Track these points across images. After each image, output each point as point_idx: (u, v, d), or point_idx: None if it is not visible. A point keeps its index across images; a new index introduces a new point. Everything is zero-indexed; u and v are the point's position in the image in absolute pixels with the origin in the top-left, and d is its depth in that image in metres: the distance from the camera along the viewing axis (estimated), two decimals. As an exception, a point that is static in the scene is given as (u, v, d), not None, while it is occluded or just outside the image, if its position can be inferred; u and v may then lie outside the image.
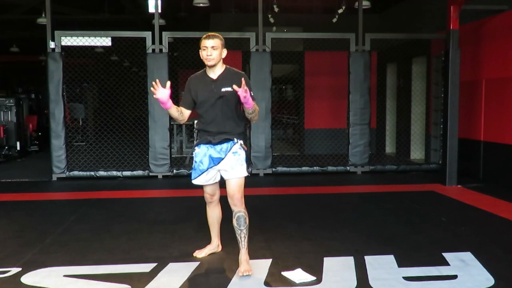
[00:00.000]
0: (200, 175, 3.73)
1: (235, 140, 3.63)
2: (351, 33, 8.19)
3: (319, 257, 3.94)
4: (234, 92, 3.40)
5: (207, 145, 3.67)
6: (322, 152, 9.56)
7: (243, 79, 3.38)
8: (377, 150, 10.44)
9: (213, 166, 3.67)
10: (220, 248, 4.10)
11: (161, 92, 3.43)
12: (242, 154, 3.63)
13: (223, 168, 3.64)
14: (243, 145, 3.66)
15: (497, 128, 7.25)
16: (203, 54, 3.56)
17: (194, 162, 3.76)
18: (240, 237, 3.59)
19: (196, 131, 3.78)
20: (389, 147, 10.84)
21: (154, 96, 3.45)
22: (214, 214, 3.95)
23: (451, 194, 6.63)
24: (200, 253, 4.00)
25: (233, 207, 3.59)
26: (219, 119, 3.60)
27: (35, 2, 11.10)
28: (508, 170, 6.95)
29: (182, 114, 3.68)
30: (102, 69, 8.64)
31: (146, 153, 8.09)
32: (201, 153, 3.71)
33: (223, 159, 3.62)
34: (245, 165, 3.64)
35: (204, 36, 3.58)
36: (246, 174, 3.65)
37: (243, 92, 3.31)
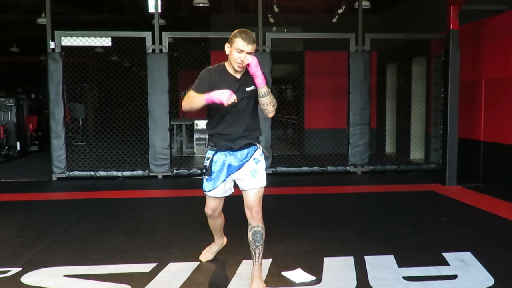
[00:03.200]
0: (218, 186, 3.37)
1: (257, 145, 3.34)
2: (351, 33, 8.19)
3: (319, 257, 3.94)
4: (255, 91, 3.22)
5: (226, 152, 3.32)
6: (322, 152, 9.56)
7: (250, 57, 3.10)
8: (377, 150, 10.44)
9: (230, 174, 3.35)
10: (225, 241, 3.93)
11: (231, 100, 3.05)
12: (263, 161, 3.34)
13: (242, 177, 3.31)
14: (264, 151, 3.39)
15: (497, 128, 7.25)
16: (234, 55, 3.14)
17: (211, 171, 3.35)
18: (255, 253, 3.28)
19: (208, 136, 3.43)
20: (389, 147, 10.84)
21: (229, 101, 2.99)
22: (216, 224, 3.72)
23: (451, 194, 6.63)
24: (206, 255, 3.86)
25: (250, 220, 3.27)
26: (241, 122, 3.27)
27: (35, 2, 11.10)
28: (508, 170, 6.95)
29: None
30: (102, 69, 8.66)
31: (146, 153, 8.09)
32: (219, 161, 3.34)
33: (242, 166, 3.31)
34: (265, 173, 3.36)
35: (242, 35, 3.13)
36: (265, 183, 3.35)
37: (252, 61, 3.06)
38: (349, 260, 3.87)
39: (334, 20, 9.40)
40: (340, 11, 9.47)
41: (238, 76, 3.26)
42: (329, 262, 3.83)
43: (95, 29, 8.08)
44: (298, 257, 3.96)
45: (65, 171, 7.77)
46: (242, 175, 3.31)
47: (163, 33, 7.85)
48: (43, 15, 9.29)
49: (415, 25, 10.04)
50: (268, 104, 3.21)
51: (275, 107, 3.24)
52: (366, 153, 8.27)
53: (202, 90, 3.16)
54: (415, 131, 9.61)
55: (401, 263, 3.81)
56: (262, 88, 3.15)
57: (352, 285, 3.41)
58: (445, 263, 3.83)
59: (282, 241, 4.43)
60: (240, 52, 3.13)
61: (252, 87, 3.24)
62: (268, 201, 6.27)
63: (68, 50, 7.81)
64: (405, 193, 6.74)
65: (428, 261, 3.85)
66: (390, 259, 3.91)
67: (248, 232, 3.30)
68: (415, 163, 9.01)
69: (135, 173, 7.95)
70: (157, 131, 7.83)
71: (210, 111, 3.33)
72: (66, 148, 7.77)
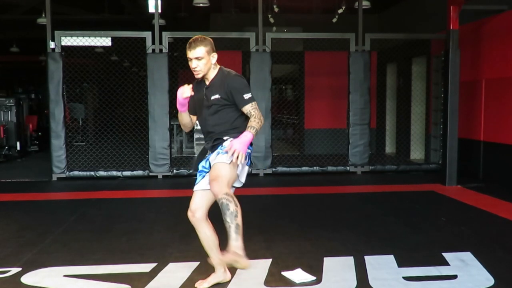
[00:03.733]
0: (201, 179, 3.37)
1: (225, 138, 3.24)
2: (351, 33, 8.19)
3: (319, 257, 3.94)
4: (225, 98, 3.19)
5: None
6: (322, 152, 9.56)
7: (226, 145, 3.11)
8: (377, 150, 10.44)
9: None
10: (228, 276, 3.46)
11: (187, 92, 3.21)
12: (228, 143, 3.17)
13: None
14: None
15: (497, 128, 7.25)
16: (189, 65, 3.22)
17: (195, 166, 3.48)
18: (228, 228, 2.98)
19: None
20: (389, 147, 10.84)
21: (182, 95, 3.21)
22: (206, 234, 3.33)
23: (451, 194, 6.63)
24: (203, 284, 3.39)
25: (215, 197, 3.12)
26: (211, 129, 3.27)
27: (35, 2, 11.10)
28: (508, 170, 6.95)
29: (191, 120, 3.43)
30: (102, 69, 8.65)
31: (146, 153, 8.09)
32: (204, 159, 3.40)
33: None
34: (228, 155, 3.10)
35: (188, 44, 3.20)
36: (226, 161, 3.11)
37: (230, 154, 3.06)
38: (349, 260, 3.87)
39: (334, 20, 9.39)
40: (340, 11, 9.47)
41: (207, 82, 3.29)
42: (329, 262, 3.83)
43: (95, 29, 8.07)
44: (298, 257, 3.96)
45: (65, 171, 7.77)
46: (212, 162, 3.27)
47: (163, 33, 7.85)
48: (43, 15, 9.29)
49: (415, 25, 10.04)
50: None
51: (262, 123, 3.20)
52: (366, 153, 8.27)
53: (190, 110, 3.40)
54: (415, 131, 9.61)
55: (401, 263, 3.81)
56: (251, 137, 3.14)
57: (352, 285, 3.41)
58: (445, 263, 3.83)
59: (282, 241, 4.43)
60: (190, 61, 3.21)
61: (217, 96, 3.22)
62: (268, 201, 6.31)
63: (68, 50, 7.81)
64: (405, 193, 6.73)
65: (428, 261, 3.84)
66: (390, 259, 3.91)
67: None
68: (415, 163, 9.01)
69: (135, 173, 7.95)
70: (157, 131, 7.83)
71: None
72: (66, 148, 7.77)
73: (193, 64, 3.20)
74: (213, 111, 3.26)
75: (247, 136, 3.10)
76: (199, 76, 3.24)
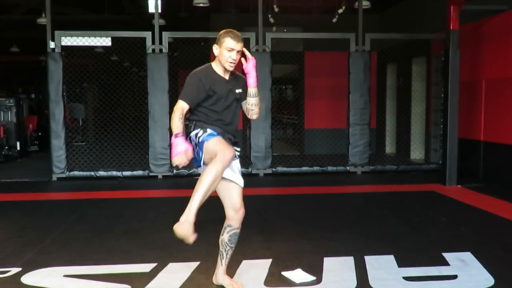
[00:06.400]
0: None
1: (238, 147, 3.35)
2: (351, 33, 8.19)
3: (319, 257, 3.94)
4: (243, 94, 3.28)
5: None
6: (322, 152, 9.56)
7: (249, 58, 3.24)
8: (377, 150, 10.44)
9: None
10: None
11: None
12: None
13: (233, 169, 3.23)
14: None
15: (497, 128, 7.25)
16: (225, 55, 3.16)
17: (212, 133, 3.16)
18: (228, 254, 3.27)
19: (202, 125, 3.19)
20: (389, 147, 10.84)
21: (176, 162, 3.05)
22: (213, 186, 3.05)
23: (451, 194, 6.63)
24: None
25: (233, 222, 3.21)
26: (234, 122, 3.30)
27: (35, 2, 11.10)
28: (508, 170, 6.95)
29: (183, 117, 3.14)
30: (102, 69, 8.66)
31: (146, 153, 8.09)
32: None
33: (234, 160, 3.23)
34: None
35: (230, 34, 3.20)
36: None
37: (252, 60, 3.21)
38: (349, 260, 3.87)
39: (334, 20, 9.40)
40: (340, 11, 9.47)
41: (227, 77, 3.25)
42: (329, 262, 3.83)
43: (95, 29, 8.07)
44: (298, 257, 3.96)
45: (65, 171, 7.77)
46: (234, 168, 3.24)
47: (163, 33, 7.85)
48: (43, 15, 9.29)
49: (415, 25, 10.04)
50: (255, 105, 3.30)
51: (261, 110, 3.37)
52: (366, 153, 8.27)
53: (191, 99, 3.14)
54: (415, 131, 9.61)
55: (401, 263, 3.81)
56: (254, 88, 3.25)
57: (352, 285, 3.41)
58: (445, 263, 3.83)
59: (282, 241, 4.43)
60: (230, 51, 3.17)
61: (240, 90, 3.28)
62: (268, 201, 6.30)
63: (68, 50, 7.81)
64: (405, 193, 6.74)
65: (428, 261, 3.85)
66: (390, 259, 3.91)
67: (225, 233, 3.23)
68: (415, 163, 9.01)
69: (135, 173, 7.95)
70: (157, 131, 7.83)
71: (211, 106, 3.20)
72: (66, 148, 7.77)
73: (234, 56, 3.18)
74: (236, 106, 3.32)
75: (256, 79, 3.27)
76: (231, 69, 3.22)
